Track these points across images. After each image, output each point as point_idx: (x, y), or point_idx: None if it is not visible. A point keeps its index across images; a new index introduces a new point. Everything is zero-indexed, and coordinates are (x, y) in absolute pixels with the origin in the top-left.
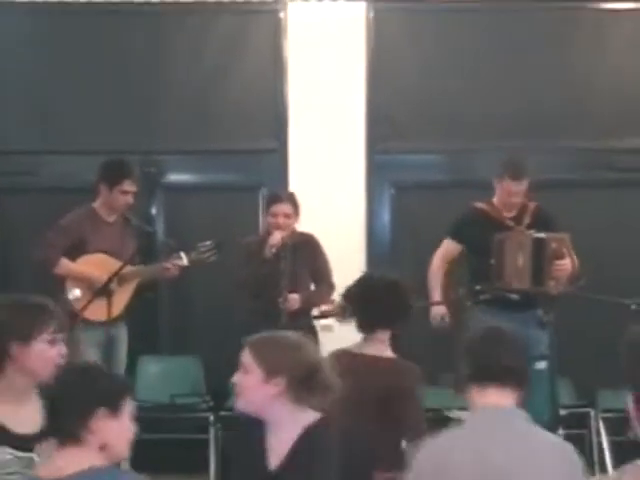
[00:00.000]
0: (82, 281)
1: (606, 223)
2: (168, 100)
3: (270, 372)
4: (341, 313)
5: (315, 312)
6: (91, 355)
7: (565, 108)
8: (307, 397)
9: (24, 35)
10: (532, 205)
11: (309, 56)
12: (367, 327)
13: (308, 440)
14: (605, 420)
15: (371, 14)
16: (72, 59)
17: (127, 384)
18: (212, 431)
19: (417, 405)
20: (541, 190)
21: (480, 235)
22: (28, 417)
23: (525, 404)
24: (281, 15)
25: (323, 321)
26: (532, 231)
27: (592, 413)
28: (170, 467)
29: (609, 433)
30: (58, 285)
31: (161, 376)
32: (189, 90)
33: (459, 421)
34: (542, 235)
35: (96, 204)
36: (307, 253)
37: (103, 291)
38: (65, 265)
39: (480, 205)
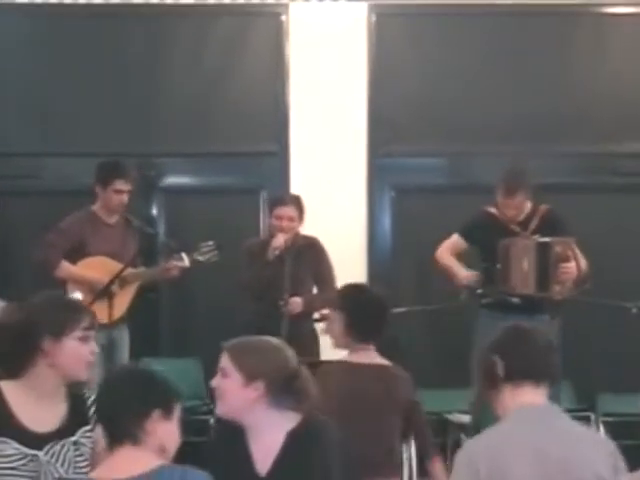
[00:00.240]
0: (83, 284)
1: (607, 227)
2: (169, 102)
3: (249, 376)
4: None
5: (316, 315)
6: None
7: (566, 112)
8: (286, 401)
9: (24, 37)
10: (542, 208)
11: (310, 59)
12: (362, 338)
13: (296, 443)
14: (605, 424)
15: (372, 17)
16: (72, 61)
17: (177, 388)
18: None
19: (421, 409)
20: (542, 194)
21: (488, 239)
22: (50, 416)
23: None
24: (282, 17)
25: (324, 324)
26: (537, 236)
27: (592, 417)
28: None
29: (609, 437)
30: (59, 287)
31: None
32: (190, 92)
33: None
34: (546, 239)
35: (96, 206)
36: (311, 257)
37: (104, 293)
38: (66, 268)
39: (490, 209)
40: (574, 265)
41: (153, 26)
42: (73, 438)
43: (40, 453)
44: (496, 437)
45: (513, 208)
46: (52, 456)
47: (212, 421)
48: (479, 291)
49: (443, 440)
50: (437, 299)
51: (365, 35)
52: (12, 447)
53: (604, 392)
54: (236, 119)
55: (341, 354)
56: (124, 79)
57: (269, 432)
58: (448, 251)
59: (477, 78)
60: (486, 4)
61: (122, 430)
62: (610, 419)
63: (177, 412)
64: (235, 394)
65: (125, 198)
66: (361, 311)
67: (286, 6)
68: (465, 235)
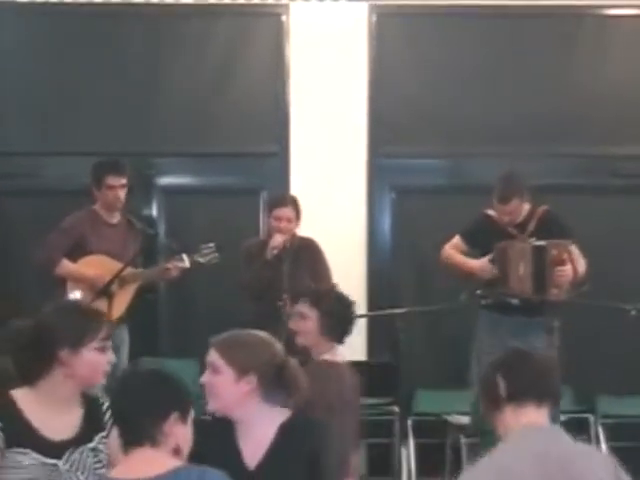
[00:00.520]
0: (83, 282)
1: (607, 229)
2: (169, 102)
3: (241, 371)
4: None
5: None
6: None
7: (566, 114)
8: (277, 395)
9: (24, 37)
10: (540, 210)
11: (311, 59)
12: (341, 340)
13: (287, 436)
14: (604, 426)
15: (373, 18)
16: (72, 61)
17: (191, 392)
18: None
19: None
20: (542, 196)
21: (487, 242)
22: (66, 424)
23: None
24: (283, 18)
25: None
26: (533, 239)
27: (592, 419)
28: None
29: (608, 439)
30: (59, 287)
31: None
32: (190, 92)
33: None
34: (542, 243)
35: (96, 206)
36: (308, 257)
37: (104, 293)
38: (66, 266)
39: (488, 212)
40: (570, 268)
41: (153, 26)
42: (91, 445)
43: (59, 462)
44: (502, 458)
45: (507, 214)
46: (72, 465)
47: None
48: (479, 292)
49: (442, 441)
50: (437, 300)
51: (365, 35)
52: (31, 457)
53: (603, 394)
54: (236, 119)
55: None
56: (124, 79)
57: (260, 426)
58: (453, 250)
59: (477, 79)
60: (487, 5)
61: (140, 431)
62: (609, 421)
63: (192, 415)
64: (227, 389)
65: (120, 193)
66: (344, 317)
67: (286, 6)
68: (466, 238)
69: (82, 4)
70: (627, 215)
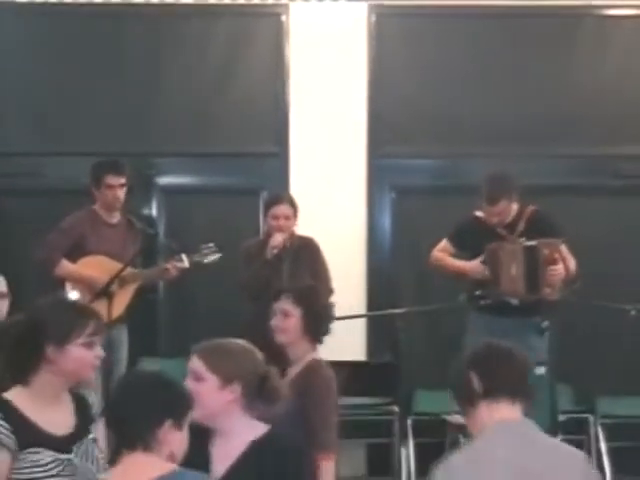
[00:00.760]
0: (82, 283)
1: (606, 229)
2: (169, 103)
3: (226, 379)
4: None
5: None
6: None
7: (566, 114)
8: (259, 404)
9: (24, 37)
10: (529, 210)
11: (310, 59)
12: (321, 339)
13: (256, 453)
14: (604, 426)
15: (372, 18)
16: (72, 61)
17: (189, 394)
18: None
19: None
20: (542, 196)
21: (477, 244)
22: (62, 419)
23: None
24: (282, 18)
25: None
26: (523, 239)
27: (591, 419)
28: None
29: (608, 439)
30: (58, 287)
31: None
32: (190, 93)
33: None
34: (533, 243)
35: (96, 206)
36: (307, 256)
37: (104, 293)
38: (65, 266)
39: (478, 213)
40: (562, 267)
41: (153, 26)
42: (91, 436)
43: (72, 456)
44: (476, 453)
45: (496, 215)
46: (82, 457)
47: None
48: (478, 292)
49: (442, 441)
50: (436, 300)
51: (365, 36)
52: (47, 455)
53: (603, 394)
54: (236, 120)
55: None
56: (124, 79)
57: (236, 437)
58: (442, 253)
59: (477, 79)
60: (486, 5)
61: (134, 436)
62: (609, 421)
63: (188, 421)
64: (211, 397)
65: (119, 193)
66: (327, 315)
67: (286, 6)
68: (454, 241)
69: (82, 4)
70: (627, 216)
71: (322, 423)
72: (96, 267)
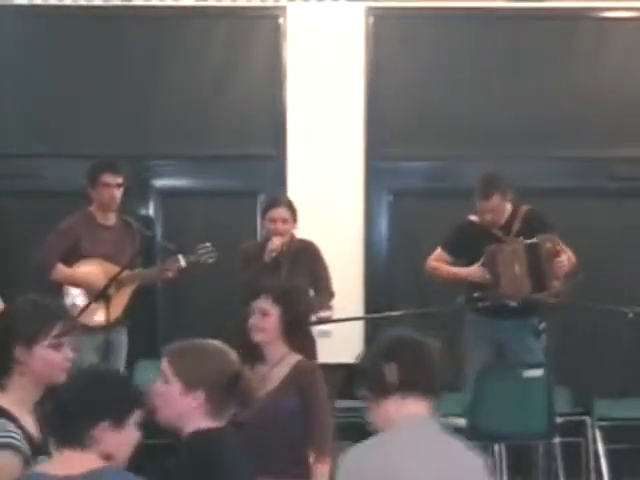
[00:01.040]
0: (79, 286)
1: (603, 232)
2: (166, 105)
3: (189, 384)
4: None
5: (313, 318)
6: (90, 360)
7: (564, 116)
8: (227, 408)
9: (23, 39)
10: (523, 210)
11: (308, 61)
12: (294, 343)
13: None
14: (601, 428)
15: (370, 20)
16: (71, 63)
17: (138, 396)
18: None
19: None
20: (539, 199)
21: (473, 249)
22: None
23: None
24: (280, 20)
25: (320, 327)
26: (520, 238)
27: (588, 421)
28: None
29: (605, 441)
30: (57, 289)
31: None
32: (187, 95)
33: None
34: (533, 240)
35: (92, 208)
36: (307, 259)
37: (101, 296)
38: (61, 270)
39: (472, 218)
40: (566, 257)
41: (151, 29)
42: None
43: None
44: (387, 442)
45: (489, 211)
46: None
47: None
48: (476, 295)
49: None
50: (434, 302)
51: (362, 38)
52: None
53: (600, 396)
54: (233, 122)
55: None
56: (122, 81)
57: None
58: (437, 263)
59: (475, 81)
60: (484, 7)
61: (68, 433)
62: (606, 423)
63: (132, 421)
64: (175, 402)
65: (116, 192)
66: (299, 311)
67: (283, 9)
68: (449, 249)
69: (80, 6)
70: (625, 218)
71: (320, 426)
72: (93, 270)
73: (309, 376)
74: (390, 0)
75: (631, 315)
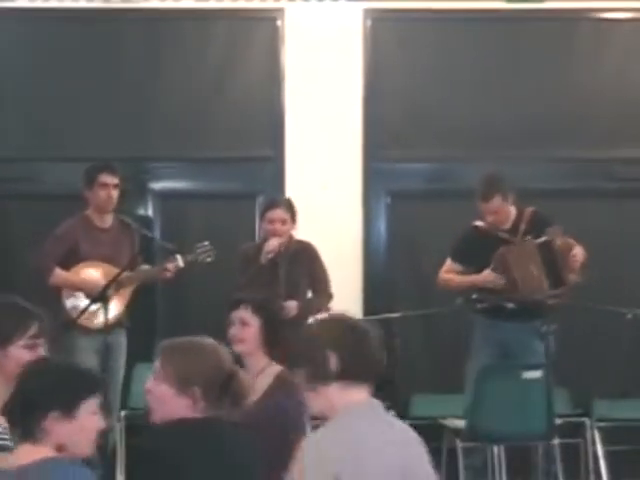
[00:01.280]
0: (77, 290)
1: (604, 233)
2: (165, 107)
3: (183, 383)
4: None
5: (311, 320)
6: (89, 362)
7: (563, 117)
8: (221, 406)
9: (22, 41)
10: (528, 212)
11: (306, 63)
12: (274, 354)
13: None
14: (600, 429)
15: (368, 22)
16: (70, 65)
17: (88, 383)
18: None
19: None
20: (538, 200)
21: (480, 254)
22: None
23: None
24: (278, 22)
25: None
26: (529, 237)
27: (587, 422)
28: None
29: (604, 442)
30: (56, 292)
31: None
32: (186, 97)
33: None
34: (544, 238)
35: (88, 211)
36: (305, 261)
37: (100, 298)
38: (58, 275)
39: (477, 223)
40: (580, 248)
41: (149, 31)
42: None
43: None
44: (342, 429)
45: (492, 213)
46: None
47: None
48: (474, 296)
49: (438, 445)
50: (433, 304)
51: (360, 40)
52: None
53: (599, 398)
54: (232, 124)
55: None
56: (121, 84)
57: None
58: (449, 275)
59: (474, 83)
60: (482, 9)
61: (23, 428)
62: (605, 425)
63: (87, 409)
64: (169, 401)
65: (113, 193)
66: (278, 322)
67: (282, 11)
68: (458, 259)
69: (81, 10)
70: (624, 219)
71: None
72: (92, 272)
73: (292, 387)
74: (388, 1)
75: (630, 316)
